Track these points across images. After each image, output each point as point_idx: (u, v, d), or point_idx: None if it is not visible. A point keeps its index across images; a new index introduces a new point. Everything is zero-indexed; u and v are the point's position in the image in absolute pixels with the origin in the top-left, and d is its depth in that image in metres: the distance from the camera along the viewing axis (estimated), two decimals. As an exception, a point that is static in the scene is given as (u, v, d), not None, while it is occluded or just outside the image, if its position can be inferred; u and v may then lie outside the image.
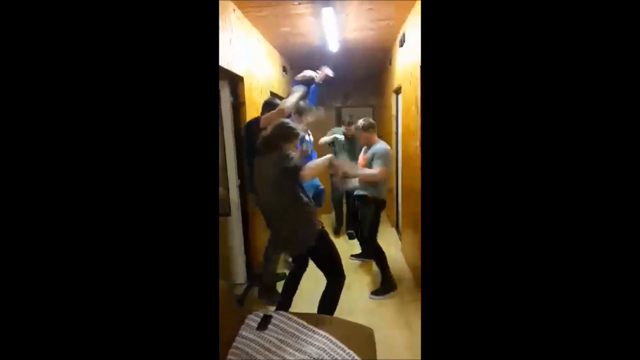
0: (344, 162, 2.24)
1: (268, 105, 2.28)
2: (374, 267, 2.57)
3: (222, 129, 2.41)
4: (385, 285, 2.47)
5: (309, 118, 2.43)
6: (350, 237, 3.60)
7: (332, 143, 3.39)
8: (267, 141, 1.70)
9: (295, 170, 1.63)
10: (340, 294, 1.84)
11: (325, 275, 1.84)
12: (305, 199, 1.73)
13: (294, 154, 1.71)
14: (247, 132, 2.27)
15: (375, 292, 2.47)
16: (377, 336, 1.55)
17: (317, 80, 2.51)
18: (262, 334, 1.48)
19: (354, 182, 2.50)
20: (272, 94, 2.37)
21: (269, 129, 1.73)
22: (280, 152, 1.68)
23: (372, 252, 2.53)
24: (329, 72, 2.54)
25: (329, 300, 1.83)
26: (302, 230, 1.73)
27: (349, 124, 3.26)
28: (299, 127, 1.81)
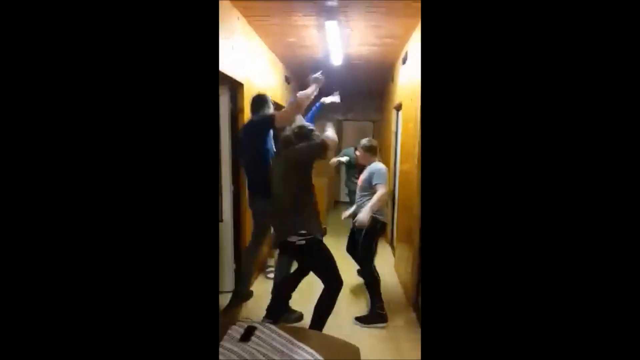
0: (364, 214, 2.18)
1: (259, 103, 2.20)
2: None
3: (220, 135, 2.39)
4: (373, 315, 2.27)
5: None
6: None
7: (339, 163, 3.41)
8: (289, 142, 1.84)
9: (321, 147, 1.80)
10: (336, 299, 1.85)
11: (323, 281, 1.86)
12: (314, 197, 1.86)
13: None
14: (248, 132, 2.16)
15: (360, 319, 2.26)
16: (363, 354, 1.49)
17: (326, 101, 2.52)
18: (244, 346, 1.42)
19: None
20: (263, 96, 2.29)
21: (288, 131, 1.87)
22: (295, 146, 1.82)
23: (365, 276, 2.36)
24: (337, 99, 2.54)
25: (325, 304, 1.84)
26: (307, 219, 1.80)
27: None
28: (316, 129, 1.93)
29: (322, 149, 1.80)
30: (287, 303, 2.12)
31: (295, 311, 2.26)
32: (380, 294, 2.29)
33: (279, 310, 2.08)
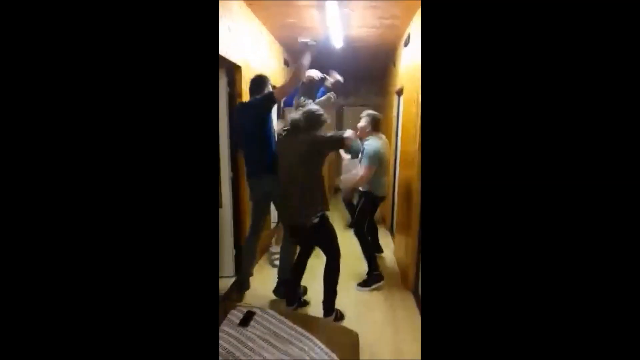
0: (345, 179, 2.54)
1: (258, 84, 2.16)
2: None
3: (217, 119, 2.35)
4: (370, 277, 2.53)
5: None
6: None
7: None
8: (296, 126, 1.86)
9: (341, 142, 1.90)
10: (339, 268, 2.02)
11: (327, 254, 2.01)
12: (322, 177, 1.95)
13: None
14: (247, 114, 2.11)
15: (361, 284, 2.53)
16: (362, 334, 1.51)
17: (327, 84, 2.41)
18: (244, 330, 1.43)
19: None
20: (262, 77, 2.23)
21: (297, 115, 1.88)
22: (310, 134, 1.84)
23: (358, 239, 2.57)
24: (339, 77, 2.45)
25: (333, 275, 2.02)
26: (316, 198, 1.87)
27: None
28: (326, 113, 1.93)
29: (341, 145, 1.92)
30: (299, 286, 2.28)
31: (305, 288, 2.40)
32: (375, 257, 2.58)
33: (297, 294, 2.23)
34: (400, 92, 3.33)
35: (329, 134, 1.93)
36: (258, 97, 2.13)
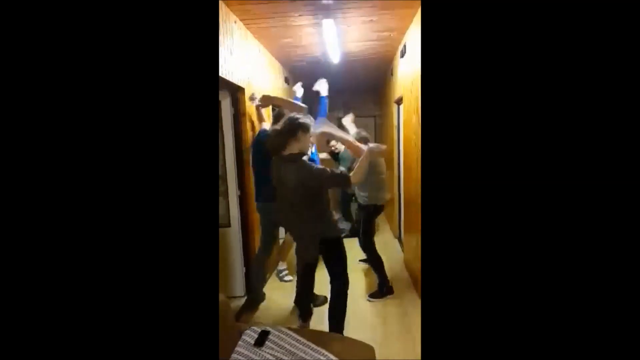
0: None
1: (279, 113, 2.27)
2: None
3: (223, 139, 2.40)
4: (382, 288, 2.55)
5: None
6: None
7: (337, 155, 3.37)
8: (278, 135, 1.70)
9: (346, 179, 1.66)
10: (346, 299, 1.90)
11: (333, 278, 1.89)
12: (328, 199, 1.82)
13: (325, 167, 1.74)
14: (260, 137, 2.23)
15: (373, 295, 2.55)
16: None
17: (323, 93, 2.50)
18: (259, 351, 1.43)
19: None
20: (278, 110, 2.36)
21: (280, 125, 1.73)
22: (304, 162, 1.69)
23: (369, 259, 2.61)
24: (320, 87, 2.51)
25: (339, 304, 1.89)
26: (321, 227, 1.77)
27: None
28: (308, 120, 1.76)
29: (345, 183, 1.67)
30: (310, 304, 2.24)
31: (318, 296, 2.40)
32: (384, 270, 2.57)
33: (309, 310, 2.20)
34: (399, 101, 3.37)
35: (333, 171, 1.71)
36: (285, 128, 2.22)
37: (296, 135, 1.69)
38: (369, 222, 2.57)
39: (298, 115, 1.76)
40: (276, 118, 2.28)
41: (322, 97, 2.49)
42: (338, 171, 1.75)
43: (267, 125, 2.36)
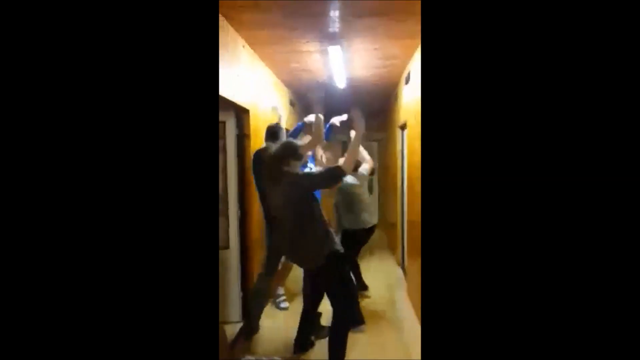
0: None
1: (274, 133, 2.28)
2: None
3: (226, 160, 2.39)
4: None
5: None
6: None
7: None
8: (274, 159, 1.69)
9: (336, 169, 1.63)
10: (348, 331, 1.76)
11: (333, 302, 1.75)
12: (321, 216, 1.74)
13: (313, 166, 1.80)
14: (259, 160, 2.19)
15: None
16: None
17: (334, 122, 2.49)
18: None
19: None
20: (277, 126, 2.37)
21: (274, 149, 1.75)
22: (291, 174, 1.68)
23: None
24: (344, 117, 2.44)
25: (340, 332, 1.73)
26: (317, 239, 1.70)
27: None
28: (303, 146, 1.79)
29: (337, 173, 1.62)
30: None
31: (324, 327, 2.22)
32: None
33: (307, 342, 2.10)
34: (403, 127, 3.39)
35: (320, 170, 1.79)
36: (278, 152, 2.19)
37: (294, 158, 1.73)
38: (346, 246, 2.37)
39: (295, 140, 1.83)
40: (273, 134, 2.27)
41: (329, 124, 2.47)
42: (327, 168, 1.75)
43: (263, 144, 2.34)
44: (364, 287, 3.04)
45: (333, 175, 1.65)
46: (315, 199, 1.75)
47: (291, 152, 1.70)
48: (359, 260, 3.05)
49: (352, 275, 2.41)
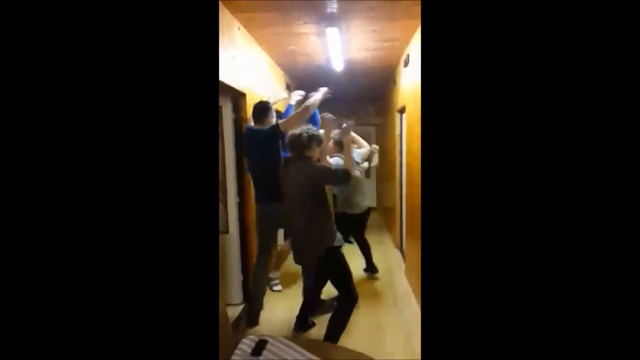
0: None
1: (261, 110, 2.23)
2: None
3: (223, 144, 2.38)
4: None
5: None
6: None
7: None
8: (298, 145, 1.80)
9: (345, 176, 1.73)
10: (351, 313, 1.84)
11: (338, 290, 1.86)
12: (329, 205, 1.81)
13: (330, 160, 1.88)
14: (254, 140, 2.18)
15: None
16: None
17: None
18: (256, 361, 1.38)
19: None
20: (265, 103, 2.31)
21: (299, 132, 1.81)
22: (312, 160, 1.81)
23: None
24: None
25: (338, 319, 1.83)
26: (323, 233, 1.78)
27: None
28: (321, 134, 1.91)
29: (345, 178, 1.73)
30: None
31: (324, 301, 2.35)
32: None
33: (307, 322, 2.18)
34: (402, 111, 3.37)
35: (331, 167, 1.83)
36: (264, 128, 2.17)
37: (314, 146, 1.84)
38: (343, 231, 2.42)
39: (313, 127, 1.90)
40: (260, 112, 2.23)
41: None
42: (339, 168, 1.82)
43: (251, 123, 2.28)
44: (374, 270, 3.10)
45: (340, 176, 1.75)
46: (324, 193, 1.81)
47: (316, 140, 1.82)
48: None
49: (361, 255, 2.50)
